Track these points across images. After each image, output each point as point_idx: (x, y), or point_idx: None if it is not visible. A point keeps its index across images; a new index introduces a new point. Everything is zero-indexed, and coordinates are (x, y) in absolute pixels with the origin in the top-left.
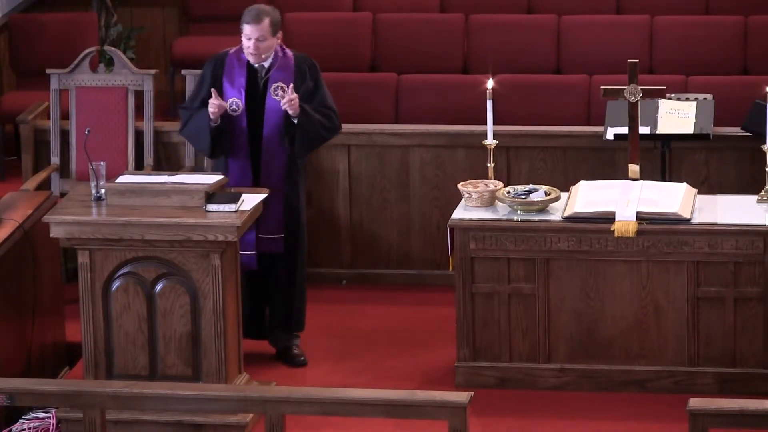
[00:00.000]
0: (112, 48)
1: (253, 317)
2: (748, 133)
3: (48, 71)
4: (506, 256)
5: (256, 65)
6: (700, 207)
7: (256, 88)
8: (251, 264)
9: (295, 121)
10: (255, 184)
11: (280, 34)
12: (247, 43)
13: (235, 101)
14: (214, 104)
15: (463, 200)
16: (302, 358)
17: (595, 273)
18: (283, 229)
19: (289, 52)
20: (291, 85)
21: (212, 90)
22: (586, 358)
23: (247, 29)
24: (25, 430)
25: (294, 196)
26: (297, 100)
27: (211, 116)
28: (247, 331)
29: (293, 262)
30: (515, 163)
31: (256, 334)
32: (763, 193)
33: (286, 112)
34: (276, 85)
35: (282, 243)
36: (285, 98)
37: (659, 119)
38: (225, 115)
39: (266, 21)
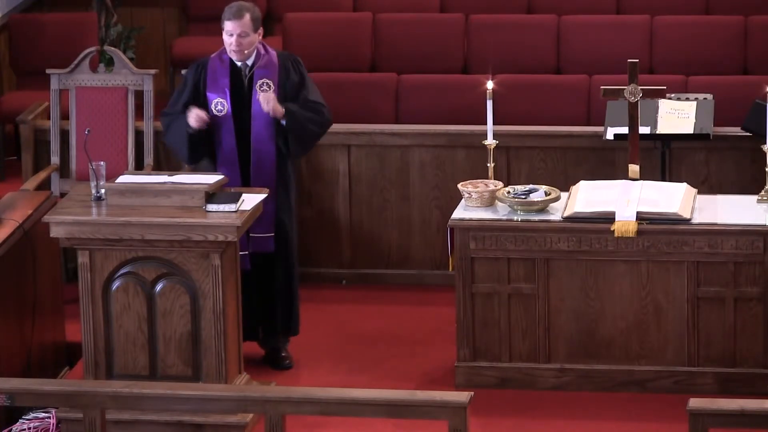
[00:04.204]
0: (112, 48)
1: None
2: (748, 133)
3: (48, 71)
4: (506, 256)
5: (240, 64)
6: (700, 207)
7: (241, 87)
8: (244, 264)
9: (283, 123)
10: (245, 184)
11: (261, 30)
12: (229, 40)
13: (221, 101)
14: (193, 117)
15: (463, 200)
16: (288, 361)
17: (595, 273)
18: (273, 228)
19: (271, 49)
20: (271, 88)
21: (194, 109)
22: (586, 358)
23: (229, 25)
24: (25, 430)
25: (285, 193)
26: (274, 100)
27: (191, 123)
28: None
29: (287, 263)
30: (515, 163)
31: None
32: (763, 193)
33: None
34: (261, 81)
35: (272, 242)
36: (263, 100)
37: (659, 119)
38: (210, 118)
39: (247, 16)
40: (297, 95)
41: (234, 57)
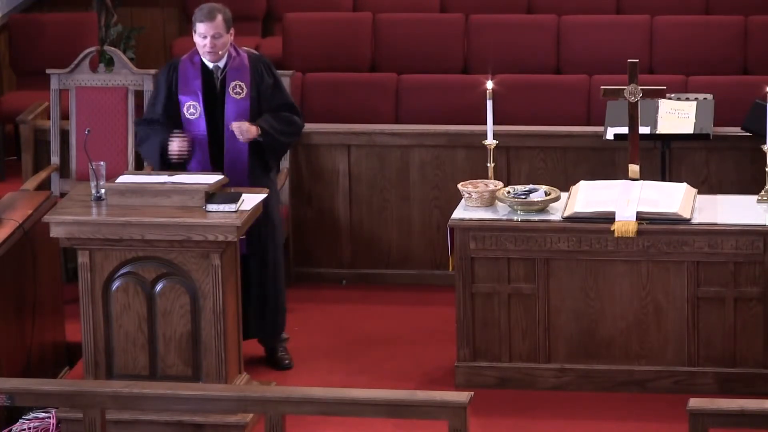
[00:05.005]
0: (112, 48)
1: None
2: (748, 133)
3: (48, 71)
4: (506, 256)
5: (211, 66)
6: (700, 207)
7: (213, 89)
8: None
9: (260, 139)
10: None
11: (232, 31)
12: (203, 42)
13: (193, 104)
14: (175, 145)
15: (463, 200)
16: (287, 361)
17: (595, 273)
18: (245, 230)
19: (242, 51)
20: (244, 90)
21: (176, 137)
22: (586, 358)
23: (201, 27)
24: (25, 430)
25: None
26: (247, 130)
27: (172, 152)
28: None
29: (262, 265)
30: (515, 163)
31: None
32: (763, 193)
33: (246, 110)
34: (234, 83)
35: (244, 244)
36: (237, 132)
37: (659, 119)
38: (183, 119)
39: (219, 17)
40: (272, 98)
41: (207, 59)
